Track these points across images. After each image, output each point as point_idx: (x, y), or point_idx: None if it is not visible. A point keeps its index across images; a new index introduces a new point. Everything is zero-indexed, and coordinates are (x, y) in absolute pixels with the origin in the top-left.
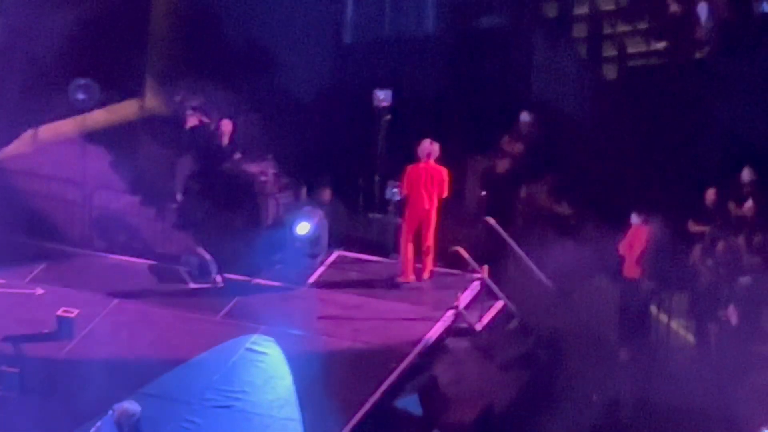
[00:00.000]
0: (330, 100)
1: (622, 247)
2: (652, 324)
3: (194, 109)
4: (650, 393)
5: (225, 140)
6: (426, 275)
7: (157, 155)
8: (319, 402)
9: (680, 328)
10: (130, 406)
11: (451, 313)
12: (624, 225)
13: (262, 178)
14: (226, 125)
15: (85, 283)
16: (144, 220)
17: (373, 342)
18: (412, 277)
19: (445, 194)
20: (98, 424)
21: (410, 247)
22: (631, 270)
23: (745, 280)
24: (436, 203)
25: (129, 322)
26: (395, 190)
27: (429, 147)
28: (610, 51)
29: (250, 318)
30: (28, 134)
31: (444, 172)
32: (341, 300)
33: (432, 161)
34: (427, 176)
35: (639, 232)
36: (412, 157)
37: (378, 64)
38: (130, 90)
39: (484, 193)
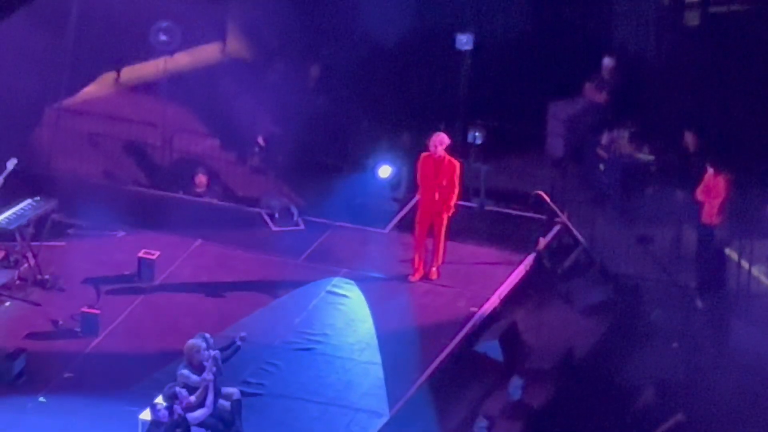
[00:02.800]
0: (412, 44)
1: (700, 194)
2: (733, 271)
3: (277, 52)
4: (730, 340)
5: (308, 84)
6: (434, 275)
7: (238, 98)
8: (399, 345)
9: (761, 275)
10: (195, 341)
11: (532, 257)
12: (704, 171)
13: (344, 122)
14: (307, 70)
15: (166, 226)
16: (225, 163)
17: (454, 286)
18: (418, 277)
19: (456, 189)
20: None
21: (423, 244)
22: (710, 217)
23: None
24: (447, 198)
25: (210, 265)
26: (477, 134)
27: (442, 138)
28: None
29: (332, 261)
30: (110, 77)
31: (457, 165)
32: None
33: (445, 153)
34: (440, 170)
35: (717, 180)
36: (494, 102)
37: (460, 7)
38: (211, 33)
39: (566, 137)
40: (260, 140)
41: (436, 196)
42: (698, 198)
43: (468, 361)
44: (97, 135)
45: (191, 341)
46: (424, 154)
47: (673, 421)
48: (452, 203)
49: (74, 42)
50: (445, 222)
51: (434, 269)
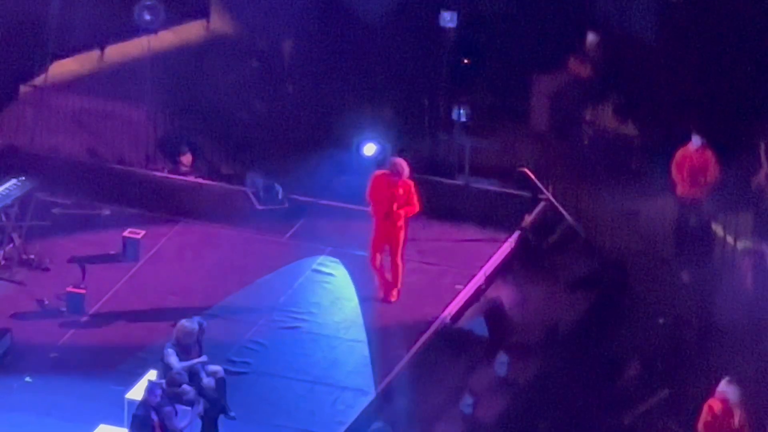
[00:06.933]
0: (396, 21)
1: (676, 169)
2: (718, 245)
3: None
4: (716, 314)
5: (288, 62)
6: (394, 296)
7: (222, 76)
8: (385, 323)
9: (746, 249)
10: (188, 323)
11: (517, 233)
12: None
13: (329, 99)
14: (291, 48)
15: (151, 205)
16: (209, 140)
17: (439, 263)
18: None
19: (416, 209)
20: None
21: (379, 265)
22: (694, 191)
23: None
24: (402, 218)
25: (194, 244)
26: (461, 111)
27: (404, 165)
28: None
29: (316, 239)
30: (94, 55)
31: (411, 185)
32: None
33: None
34: (395, 190)
35: (704, 155)
36: (478, 78)
37: None
38: (195, 11)
39: (550, 112)
40: (244, 117)
41: (389, 216)
42: (675, 174)
43: (453, 338)
44: (82, 113)
45: (185, 323)
46: (377, 173)
47: (659, 395)
48: (409, 216)
49: (58, 19)
50: (401, 242)
51: (394, 291)
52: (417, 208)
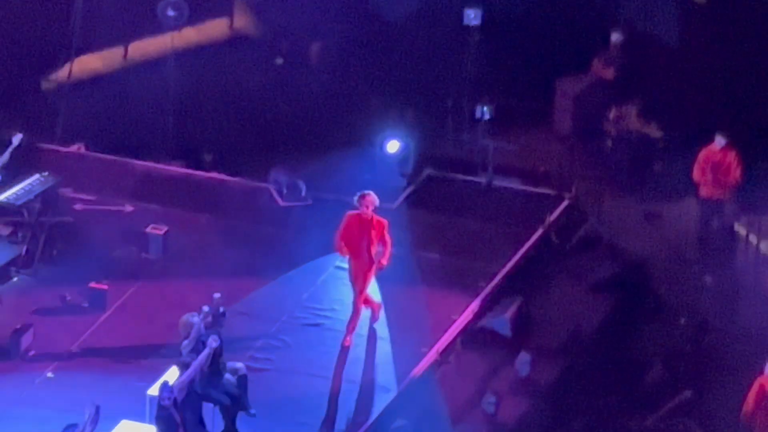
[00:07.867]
0: (419, 19)
1: (699, 170)
2: (741, 246)
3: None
4: (738, 315)
5: (313, 61)
6: (347, 342)
7: (245, 74)
8: (407, 321)
9: None
10: (190, 317)
11: (539, 233)
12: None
13: (352, 97)
14: (314, 46)
15: (174, 201)
16: (232, 137)
17: (462, 262)
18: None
19: (389, 246)
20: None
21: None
22: (717, 192)
23: None
24: (384, 263)
25: (217, 240)
26: (485, 109)
27: (373, 198)
28: None
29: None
30: (118, 52)
31: (384, 223)
32: (430, 219)
33: (372, 213)
34: (368, 229)
35: (727, 155)
36: (502, 77)
37: None
38: (219, 9)
39: (573, 113)
40: (267, 114)
41: (365, 255)
42: (700, 173)
43: (476, 336)
44: (105, 110)
45: (186, 317)
46: (350, 213)
47: (681, 397)
48: (386, 260)
49: (82, 16)
50: (370, 279)
51: (349, 337)
52: (390, 247)
